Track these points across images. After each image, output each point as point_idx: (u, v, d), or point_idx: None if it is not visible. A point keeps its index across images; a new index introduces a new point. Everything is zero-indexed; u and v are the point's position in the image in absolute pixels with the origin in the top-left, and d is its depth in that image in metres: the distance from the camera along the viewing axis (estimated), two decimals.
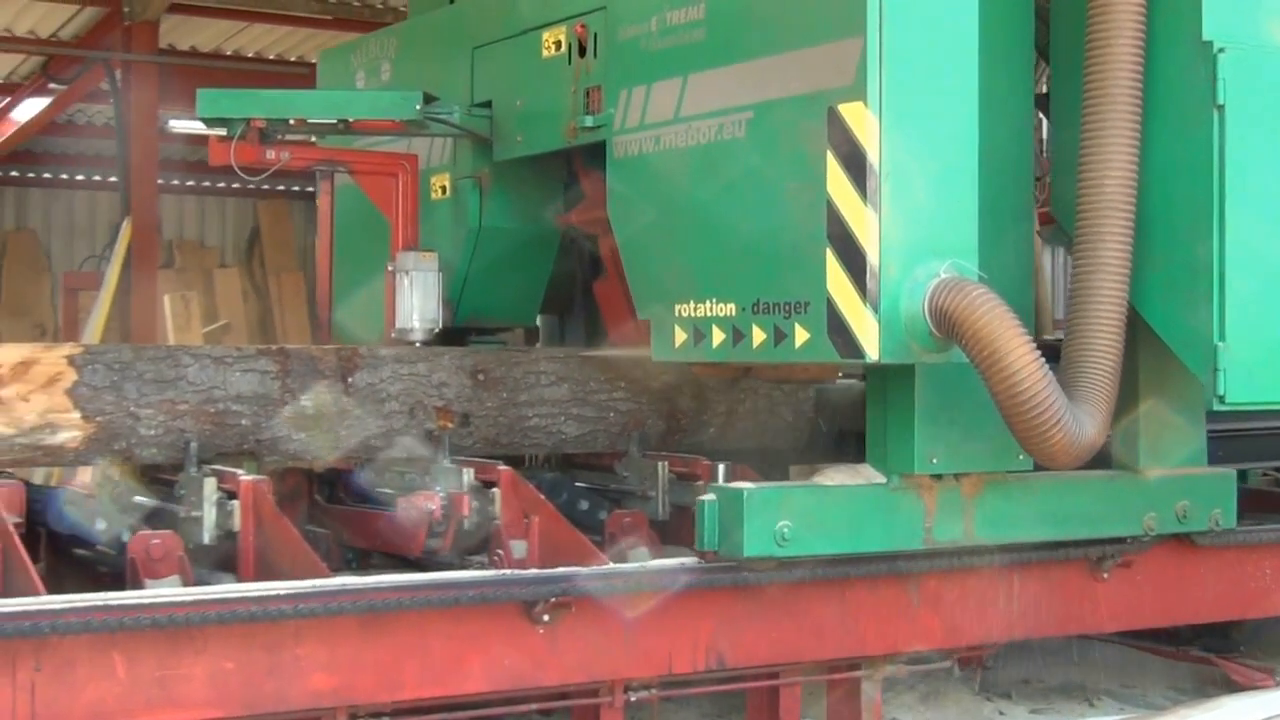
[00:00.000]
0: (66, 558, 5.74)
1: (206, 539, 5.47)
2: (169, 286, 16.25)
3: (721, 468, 6.08)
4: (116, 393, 5.60)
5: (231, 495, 5.49)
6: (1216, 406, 5.48)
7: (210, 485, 5.49)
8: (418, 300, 6.85)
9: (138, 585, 5.14)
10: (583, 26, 6.36)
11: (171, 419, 5.69)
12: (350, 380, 6.02)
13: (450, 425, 6.19)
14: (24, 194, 20.17)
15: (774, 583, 5.49)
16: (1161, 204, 5.58)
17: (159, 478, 6.00)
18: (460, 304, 7.20)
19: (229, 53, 15.62)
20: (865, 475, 5.60)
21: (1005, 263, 5.67)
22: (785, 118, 5.34)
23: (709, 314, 5.60)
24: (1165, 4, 5.56)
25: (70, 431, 5.53)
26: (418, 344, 6.73)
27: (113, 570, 5.46)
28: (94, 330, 13.58)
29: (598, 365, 6.52)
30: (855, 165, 5.07)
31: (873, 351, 5.07)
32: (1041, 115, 6.34)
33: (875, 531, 5.55)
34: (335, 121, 7.11)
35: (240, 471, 5.59)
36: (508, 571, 5.36)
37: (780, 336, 5.32)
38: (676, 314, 5.74)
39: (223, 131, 6.77)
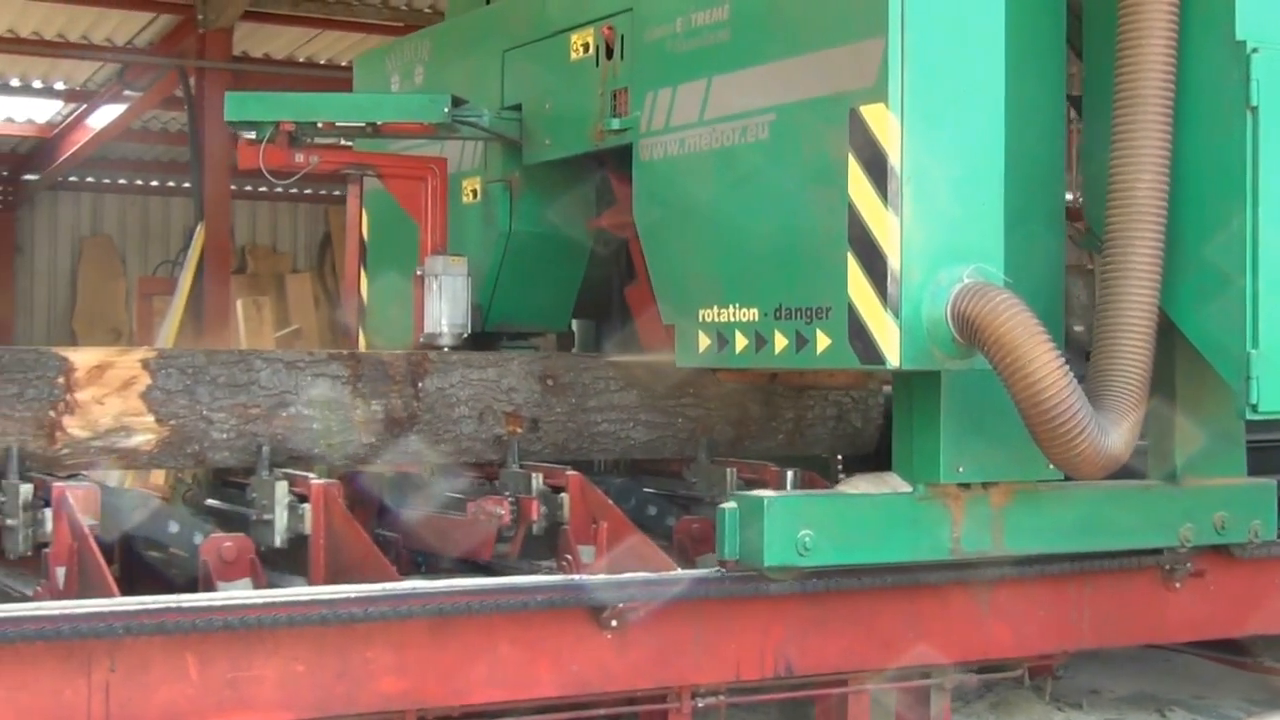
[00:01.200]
0: (140, 560, 5.80)
1: (278, 542, 5.51)
2: (241, 291, 16.39)
3: (790, 474, 6.06)
4: (189, 396, 5.65)
5: (303, 499, 5.53)
6: (1249, 415, 5.38)
7: (282, 489, 5.53)
8: (446, 305, 6.79)
9: (210, 587, 5.20)
10: (610, 28, 6.29)
11: (243, 423, 5.73)
12: (420, 385, 6.05)
13: (519, 430, 6.21)
14: (100, 199, 20.40)
15: (843, 590, 5.47)
16: (1193, 207, 5.48)
17: (231, 481, 6.05)
18: (490, 309, 7.13)
19: (301, 59, 15.72)
20: (891, 484, 5.52)
21: (1035, 268, 5.58)
22: (807, 120, 5.28)
23: (732, 319, 5.55)
24: (1198, 3, 5.46)
25: (144, 435, 5.58)
26: (446, 349, 6.67)
27: (185, 572, 5.51)
28: (168, 334, 13.70)
29: (668, 371, 6.50)
30: (876, 168, 5.01)
31: (893, 358, 4.99)
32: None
33: (900, 542, 5.46)
34: (363, 125, 7.05)
35: (311, 475, 5.63)
36: (576, 576, 5.36)
37: (802, 342, 5.26)
38: (700, 319, 5.69)
39: (253, 135, 6.72)
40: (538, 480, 5.96)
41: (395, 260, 7.53)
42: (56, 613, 4.46)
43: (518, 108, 6.97)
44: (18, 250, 19.94)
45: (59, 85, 16.47)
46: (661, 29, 5.97)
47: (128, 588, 4.97)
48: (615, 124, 6.19)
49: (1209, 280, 5.46)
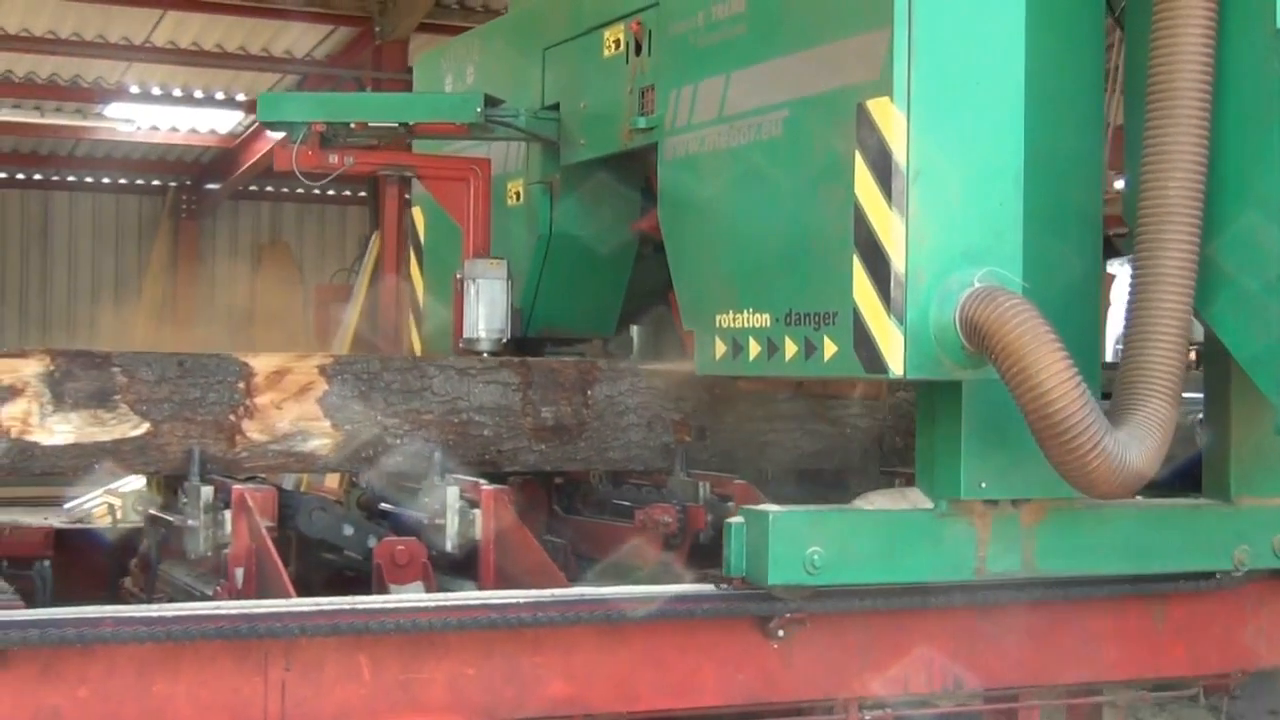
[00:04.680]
0: (315, 561, 5.90)
1: (449, 547, 5.57)
2: None
3: None
4: (364, 402, 5.74)
5: (474, 504, 5.59)
6: None
7: (454, 494, 5.60)
8: (484, 309, 6.67)
9: (383, 590, 5.28)
10: (638, 24, 6.11)
11: (416, 428, 5.82)
12: (589, 393, 6.09)
13: (687, 438, 6.22)
14: (279, 208, 20.89)
15: (1015, 603, 5.40)
16: (1230, 207, 5.14)
17: (403, 485, 6.14)
18: (533, 313, 6.97)
19: None
20: (911, 500, 5.27)
21: (1068, 272, 5.29)
22: (817, 116, 5.06)
23: (746, 325, 5.34)
24: None
25: (320, 439, 5.68)
26: (485, 355, 6.54)
27: (359, 575, 5.60)
28: (343, 341, 13.96)
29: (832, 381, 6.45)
30: (881, 165, 4.78)
31: (897, 366, 4.74)
32: None
33: (919, 560, 5.17)
34: (395, 125, 6.92)
35: (482, 481, 5.69)
36: (741, 586, 5.35)
37: (810, 349, 5.03)
38: (717, 325, 5.49)
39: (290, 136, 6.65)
40: (705, 489, 5.97)
41: (452, 263, 7.29)
42: (235, 612, 4.57)
43: (556, 107, 6.81)
44: (200, 258, 20.47)
45: (240, 96, 16.89)
46: (685, 23, 5.78)
47: (303, 589, 5.06)
48: (642, 122, 6.02)
49: (1246, 285, 5.12)
